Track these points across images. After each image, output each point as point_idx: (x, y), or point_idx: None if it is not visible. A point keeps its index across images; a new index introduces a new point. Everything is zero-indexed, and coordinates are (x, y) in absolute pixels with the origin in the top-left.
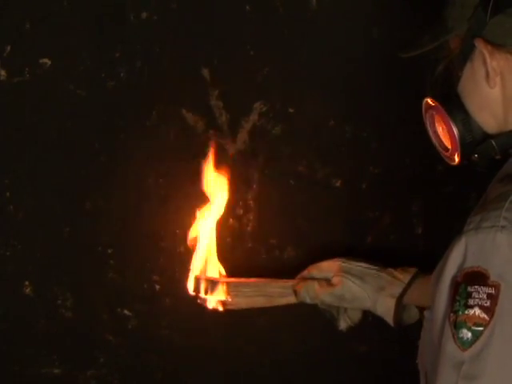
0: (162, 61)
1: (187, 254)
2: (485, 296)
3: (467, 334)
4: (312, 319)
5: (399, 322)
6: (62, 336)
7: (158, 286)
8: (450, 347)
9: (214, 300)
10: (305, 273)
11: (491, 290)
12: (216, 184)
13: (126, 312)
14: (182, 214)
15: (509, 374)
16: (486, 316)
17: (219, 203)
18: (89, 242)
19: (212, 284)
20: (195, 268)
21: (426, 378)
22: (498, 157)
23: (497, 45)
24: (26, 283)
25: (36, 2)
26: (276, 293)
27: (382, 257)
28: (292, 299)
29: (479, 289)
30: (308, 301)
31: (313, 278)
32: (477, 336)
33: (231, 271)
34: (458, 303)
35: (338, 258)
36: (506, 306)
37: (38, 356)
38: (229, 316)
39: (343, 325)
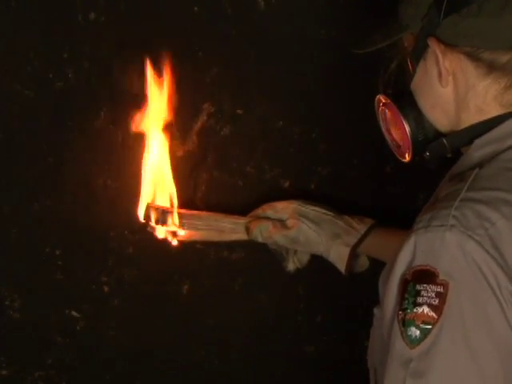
0: (110, 61)
1: (136, 255)
2: (433, 294)
3: (415, 332)
4: (261, 319)
5: (350, 270)
6: (9, 337)
7: (106, 288)
8: (399, 345)
9: (165, 230)
10: (259, 211)
11: (440, 289)
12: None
13: (74, 313)
14: (130, 216)
15: (456, 372)
16: (434, 314)
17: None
18: (37, 243)
19: (164, 214)
20: (147, 195)
21: (376, 376)
22: (449, 155)
23: (450, 45)
24: None
25: None
26: (228, 228)
27: None
28: (243, 236)
29: (428, 287)
30: (260, 240)
31: (267, 218)
32: (425, 334)
33: None
34: (406, 301)
35: (294, 199)
36: (454, 304)
37: None
38: (177, 317)
39: (291, 266)
